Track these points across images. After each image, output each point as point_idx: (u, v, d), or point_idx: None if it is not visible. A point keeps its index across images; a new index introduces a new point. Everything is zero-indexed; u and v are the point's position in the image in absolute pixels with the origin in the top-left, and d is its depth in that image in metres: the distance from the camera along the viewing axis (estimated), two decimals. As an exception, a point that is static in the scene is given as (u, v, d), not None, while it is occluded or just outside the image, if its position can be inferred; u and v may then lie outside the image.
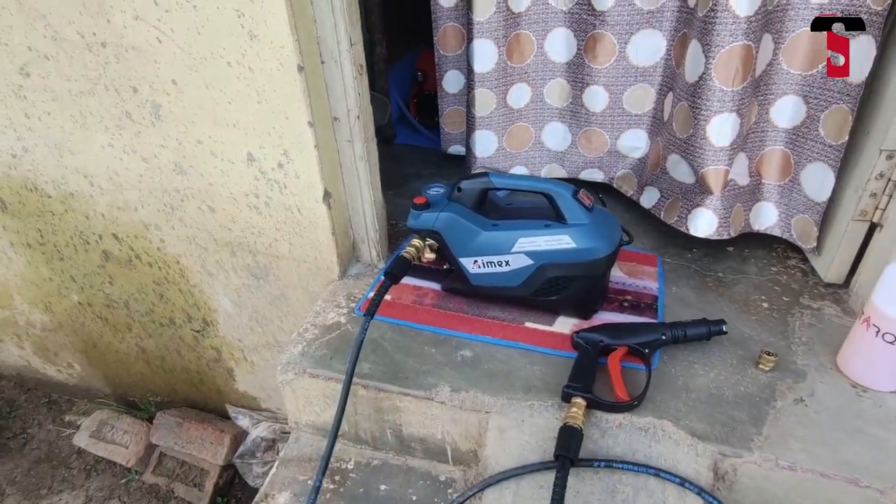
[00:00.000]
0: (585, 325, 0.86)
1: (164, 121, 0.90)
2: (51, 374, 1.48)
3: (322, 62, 0.83)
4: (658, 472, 0.67)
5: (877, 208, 0.84)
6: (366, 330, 0.76)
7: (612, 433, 0.71)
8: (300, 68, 0.78)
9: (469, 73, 1.06)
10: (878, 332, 0.71)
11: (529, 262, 0.83)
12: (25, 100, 0.96)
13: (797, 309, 0.90)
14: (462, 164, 1.21)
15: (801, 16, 0.83)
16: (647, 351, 0.78)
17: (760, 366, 0.78)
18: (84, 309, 1.27)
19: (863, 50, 0.80)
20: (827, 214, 0.91)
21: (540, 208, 0.85)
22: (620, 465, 0.68)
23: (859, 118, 0.84)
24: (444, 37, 1.16)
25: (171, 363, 1.31)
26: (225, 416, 1.36)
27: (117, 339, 1.31)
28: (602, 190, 1.05)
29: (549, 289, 0.85)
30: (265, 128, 0.85)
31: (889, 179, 0.81)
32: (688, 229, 0.96)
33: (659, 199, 1.03)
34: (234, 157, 0.90)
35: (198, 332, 1.21)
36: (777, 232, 0.99)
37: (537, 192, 0.83)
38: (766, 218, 0.99)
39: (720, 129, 0.87)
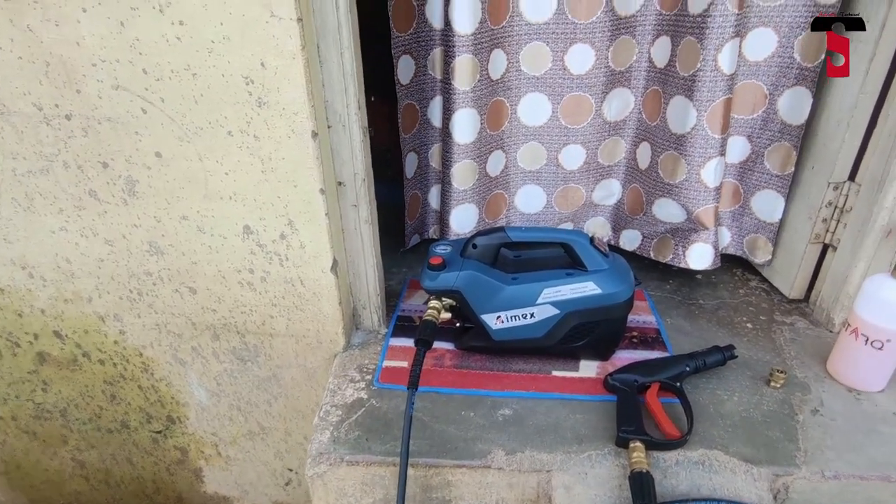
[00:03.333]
0: (609, 366, 0.88)
1: (141, 197, 0.80)
2: (-55, 514, 1.19)
3: (329, 127, 0.79)
4: None
5: (828, 231, 0.96)
6: (412, 404, 0.72)
7: (673, 472, 0.73)
8: (314, 134, 0.74)
9: (447, 147, 1.01)
10: (867, 341, 0.81)
11: (555, 311, 0.84)
12: (-54, 183, 0.80)
13: (775, 326, 0.99)
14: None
15: (744, 71, 0.96)
16: (678, 384, 0.82)
17: (772, 384, 0.85)
18: (6, 424, 1.05)
19: (800, 99, 0.94)
20: (784, 240, 1.04)
21: (552, 258, 0.87)
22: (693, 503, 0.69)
23: (806, 156, 0.97)
24: (404, 116, 1.07)
25: (119, 475, 1.12)
26: (187, 526, 1.18)
27: (48, 455, 1.09)
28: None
29: (573, 336, 0.86)
30: (268, 198, 0.79)
31: (836, 207, 0.94)
32: (688, 265, 1.03)
33: (643, 241, 1.10)
34: (226, 232, 0.82)
35: (158, 433, 1.05)
36: (731, 250, 1.11)
37: (555, 242, 0.85)
38: (723, 239, 1.11)
39: (714, 171, 0.96)
